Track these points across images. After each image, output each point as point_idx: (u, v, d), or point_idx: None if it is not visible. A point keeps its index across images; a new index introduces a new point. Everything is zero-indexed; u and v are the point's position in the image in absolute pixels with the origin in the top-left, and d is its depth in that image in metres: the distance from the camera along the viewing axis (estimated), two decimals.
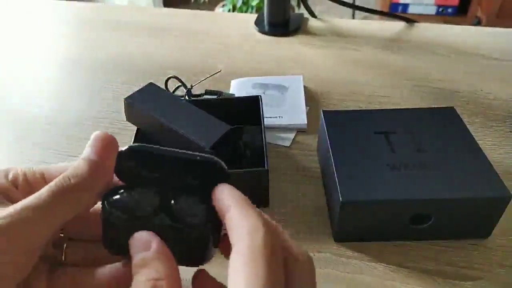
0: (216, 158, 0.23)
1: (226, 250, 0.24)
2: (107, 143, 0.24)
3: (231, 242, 0.20)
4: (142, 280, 0.20)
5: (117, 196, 0.23)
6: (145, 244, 0.21)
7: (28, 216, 0.20)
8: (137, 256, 0.21)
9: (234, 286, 0.18)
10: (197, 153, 0.23)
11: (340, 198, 0.36)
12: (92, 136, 0.24)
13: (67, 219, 0.22)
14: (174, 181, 0.23)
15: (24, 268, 0.21)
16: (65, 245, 0.26)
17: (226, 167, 0.23)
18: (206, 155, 0.23)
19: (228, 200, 0.22)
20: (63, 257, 0.26)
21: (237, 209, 0.21)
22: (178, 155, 0.23)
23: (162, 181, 0.23)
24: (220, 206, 0.22)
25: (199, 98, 0.56)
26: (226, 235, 0.23)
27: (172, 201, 0.23)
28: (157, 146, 0.23)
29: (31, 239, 0.21)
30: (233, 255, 0.19)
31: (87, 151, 0.23)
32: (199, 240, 0.22)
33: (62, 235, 0.26)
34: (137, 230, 0.22)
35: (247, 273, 0.18)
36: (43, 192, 0.21)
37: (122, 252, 0.22)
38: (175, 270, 0.21)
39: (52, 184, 0.22)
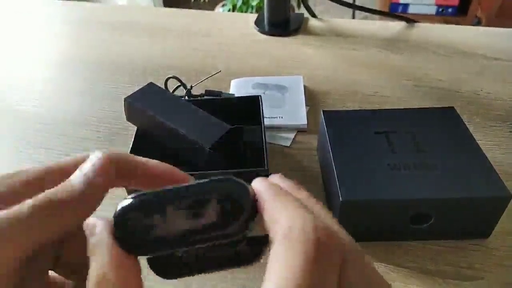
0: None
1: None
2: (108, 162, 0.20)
3: (271, 238, 0.18)
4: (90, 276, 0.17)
5: None
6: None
7: (2, 227, 0.17)
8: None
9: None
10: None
11: (340, 198, 0.36)
12: (94, 156, 0.20)
13: (51, 238, 0.18)
14: None
15: None
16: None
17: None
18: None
19: (260, 193, 0.19)
20: None
21: (268, 201, 0.18)
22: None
23: None
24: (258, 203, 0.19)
25: (199, 98, 0.56)
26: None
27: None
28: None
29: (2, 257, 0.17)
30: (271, 253, 0.17)
31: (87, 167, 0.20)
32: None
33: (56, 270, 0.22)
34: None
35: (279, 273, 0.15)
36: (26, 203, 0.18)
37: None
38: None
39: (39, 197, 0.18)
